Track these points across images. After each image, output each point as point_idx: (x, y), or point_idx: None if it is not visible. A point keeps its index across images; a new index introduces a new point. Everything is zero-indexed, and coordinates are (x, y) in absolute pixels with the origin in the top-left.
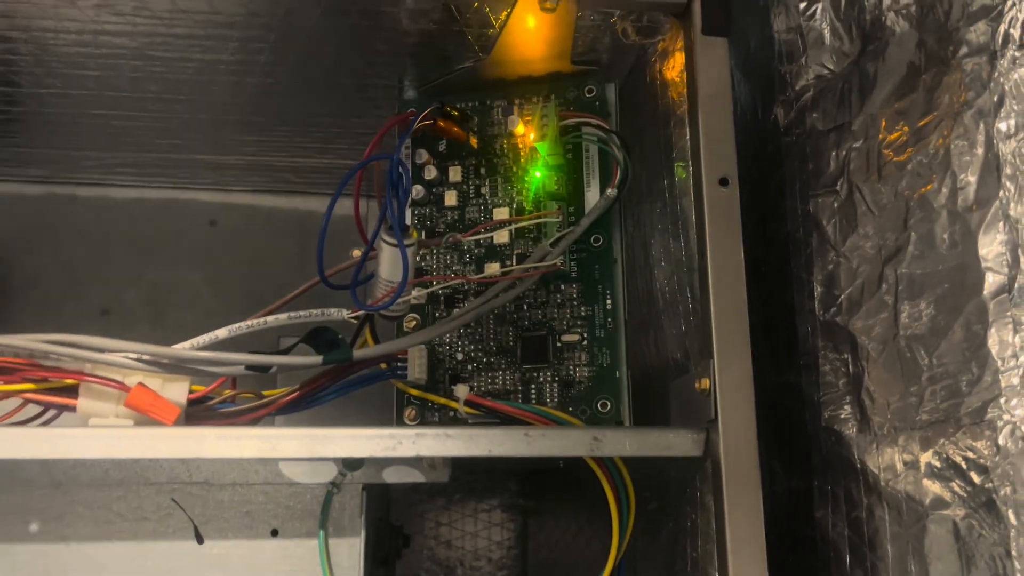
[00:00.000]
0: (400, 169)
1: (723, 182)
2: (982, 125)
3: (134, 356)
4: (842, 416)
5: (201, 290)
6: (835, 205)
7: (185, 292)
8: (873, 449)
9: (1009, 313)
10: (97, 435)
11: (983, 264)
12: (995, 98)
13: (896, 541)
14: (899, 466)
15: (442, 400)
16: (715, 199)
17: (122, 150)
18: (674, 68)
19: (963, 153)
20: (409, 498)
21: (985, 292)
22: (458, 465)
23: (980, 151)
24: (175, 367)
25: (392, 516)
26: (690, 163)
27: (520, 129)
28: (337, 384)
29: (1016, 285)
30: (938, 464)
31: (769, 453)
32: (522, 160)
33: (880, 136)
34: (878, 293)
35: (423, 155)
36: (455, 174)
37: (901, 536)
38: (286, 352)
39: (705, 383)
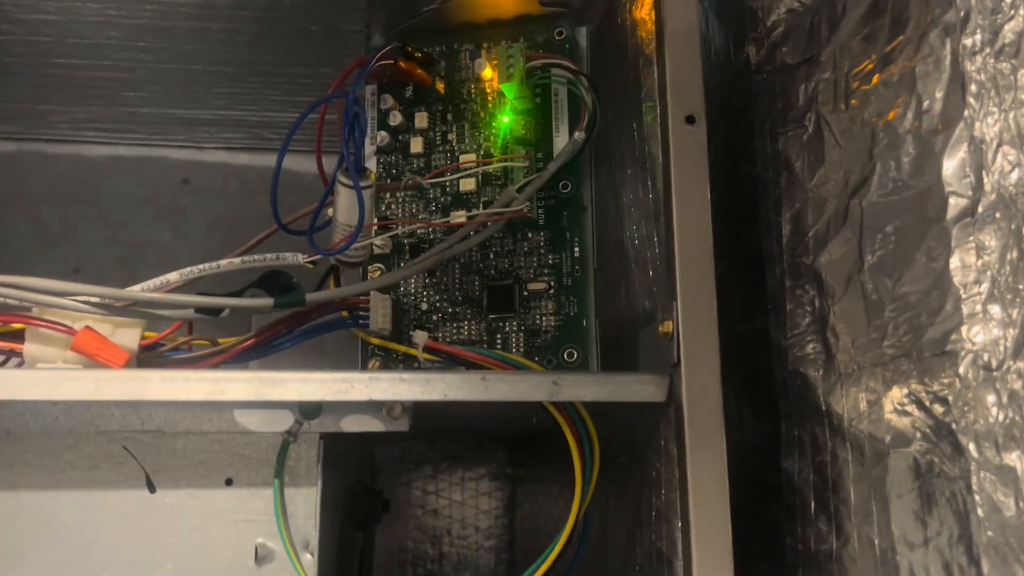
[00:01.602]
0: (356, 107)
1: (689, 120)
2: (948, 43)
3: (82, 298)
4: (809, 358)
5: (174, 249)
6: (803, 139)
7: (158, 251)
8: (838, 390)
9: (972, 237)
10: (38, 376)
11: (946, 188)
12: (961, 13)
13: (859, 483)
14: (863, 405)
15: (405, 349)
16: (681, 137)
17: (90, 104)
18: (643, 6)
19: (928, 74)
20: (396, 467)
21: (948, 217)
22: (443, 433)
23: (946, 70)
24: (124, 309)
25: (378, 484)
26: (657, 102)
27: (487, 73)
28: (295, 331)
29: (979, 208)
30: (900, 400)
31: (739, 402)
32: (490, 105)
33: (847, 66)
34: (843, 228)
35: (388, 100)
36: (421, 120)
37: (864, 477)
38: (237, 295)
39: (668, 326)
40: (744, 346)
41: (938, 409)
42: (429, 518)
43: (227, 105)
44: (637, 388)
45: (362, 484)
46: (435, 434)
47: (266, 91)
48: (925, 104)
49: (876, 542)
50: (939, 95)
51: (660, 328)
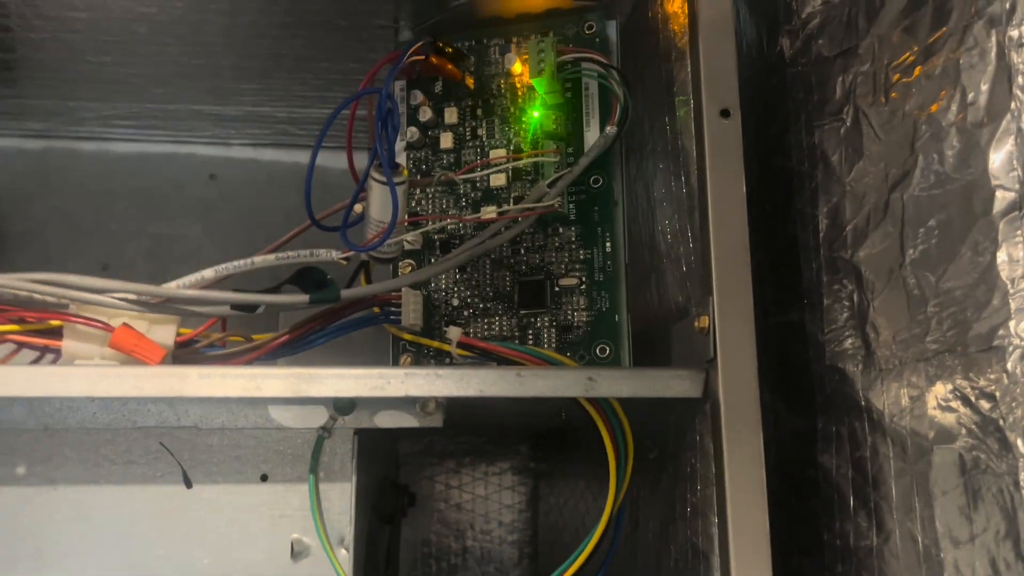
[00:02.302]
0: (389, 103)
1: (724, 113)
2: (993, 34)
3: (119, 295)
4: (847, 353)
5: (202, 244)
6: (841, 133)
7: (186, 246)
8: (878, 385)
9: (1020, 231)
10: (78, 373)
11: (993, 181)
12: (1007, 5)
13: (900, 478)
14: (904, 401)
15: (437, 345)
16: (716, 131)
17: (119, 100)
18: (675, 0)
19: (973, 66)
20: (419, 461)
21: (995, 211)
22: (467, 427)
23: (991, 62)
24: (161, 306)
25: (401, 478)
26: (691, 95)
27: (517, 68)
28: (328, 327)
29: None
30: (944, 395)
31: (773, 396)
32: (520, 100)
33: (887, 58)
34: (884, 221)
35: (418, 96)
36: (451, 115)
37: (906, 473)
38: (272, 291)
39: (704, 321)
40: (778, 341)
41: (984, 405)
42: (452, 512)
43: (254, 101)
44: (672, 383)
45: (389, 479)
46: (459, 429)
47: (293, 87)
48: (970, 96)
49: (919, 538)
50: (984, 87)
51: (696, 323)
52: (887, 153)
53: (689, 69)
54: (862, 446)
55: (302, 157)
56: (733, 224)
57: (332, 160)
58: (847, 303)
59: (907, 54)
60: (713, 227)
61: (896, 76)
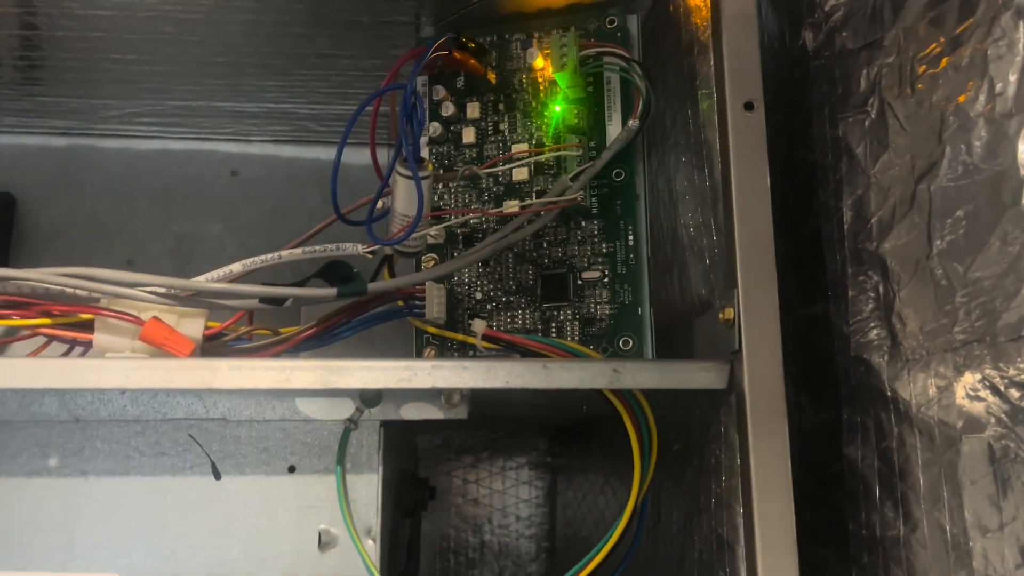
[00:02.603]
0: (414, 99)
1: (748, 106)
2: (1021, 25)
3: (149, 289)
4: (872, 344)
5: (224, 241)
6: (866, 125)
7: (208, 243)
8: (904, 376)
9: None
10: (110, 365)
11: (1022, 171)
12: None
13: (928, 468)
14: (931, 391)
15: (461, 337)
16: (740, 124)
17: (142, 98)
18: None
19: (1001, 56)
20: (437, 456)
21: None
22: (484, 421)
23: (1020, 53)
24: (190, 300)
25: (420, 473)
26: (714, 89)
27: (539, 62)
28: (354, 320)
29: None
30: (972, 385)
31: (796, 389)
32: (542, 94)
33: (913, 50)
34: (910, 213)
35: (440, 91)
36: (473, 110)
37: (933, 463)
38: (300, 284)
39: (729, 313)
40: (802, 334)
41: (1014, 394)
42: (470, 507)
43: (275, 98)
44: (697, 375)
45: (409, 472)
46: (476, 424)
47: (314, 83)
48: (998, 87)
49: (947, 528)
50: (1013, 78)
51: (721, 315)
52: (913, 145)
53: (712, 62)
54: (888, 437)
55: (322, 153)
56: (757, 217)
57: (352, 156)
58: (872, 295)
59: (933, 45)
60: (738, 220)
61: (922, 68)
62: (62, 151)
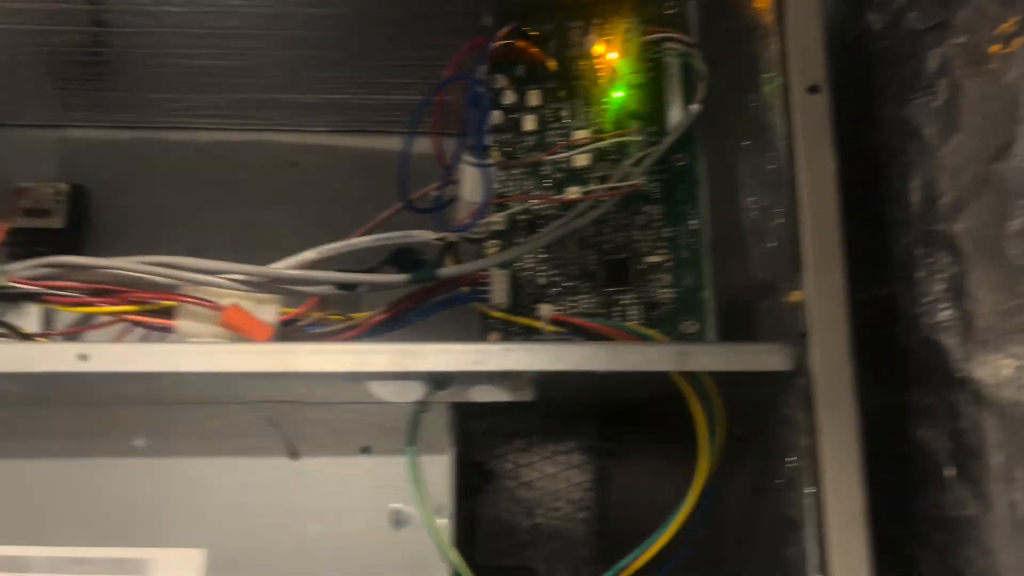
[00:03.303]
0: (480, 87)
1: (813, 89)
2: None
3: (228, 276)
4: (943, 325)
5: (285, 230)
6: (934, 106)
7: (269, 232)
8: (977, 357)
9: None
10: (196, 350)
11: None
12: None
13: (1002, 449)
14: (1006, 371)
15: (525, 321)
16: (805, 107)
17: (205, 91)
18: None
19: None
20: (489, 440)
21: None
22: (534, 406)
23: None
24: (267, 287)
25: (473, 457)
26: (778, 72)
27: (599, 49)
28: (422, 306)
29: None
30: None
31: (862, 370)
32: (602, 81)
33: (985, 29)
34: (982, 194)
35: (501, 80)
36: (534, 98)
37: (1008, 443)
38: (373, 271)
39: (797, 296)
40: (867, 316)
41: None
42: (522, 490)
43: (333, 89)
44: (764, 358)
45: (465, 457)
46: (526, 408)
47: (372, 74)
48: None
49: (1021, 507)
50: None
51: (787, 298)
52: (985, 125)
53: (776, 46)
54: (960, 418)
55: (380, 143)
56: (824, 199)
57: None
58: (942, 276)
59: (1005, 25)
60: (805, 202)
61: (994, 47)
62: (129, 144)
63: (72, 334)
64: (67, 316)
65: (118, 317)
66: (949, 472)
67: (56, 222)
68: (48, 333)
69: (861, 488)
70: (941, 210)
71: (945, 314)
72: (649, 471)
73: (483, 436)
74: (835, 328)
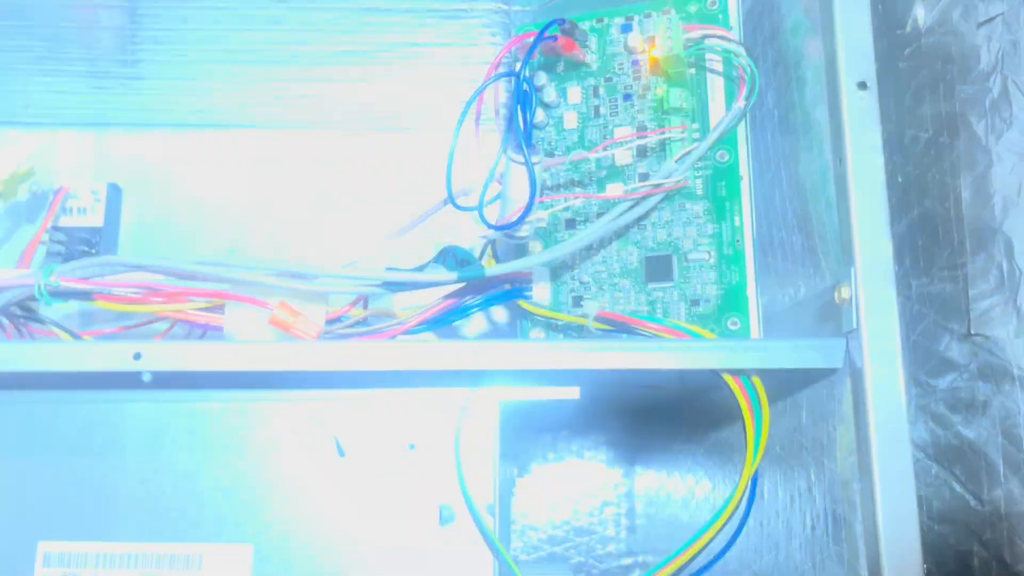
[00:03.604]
0: (525, 84)
1: (862, 86)
2: None
3: (276, 273)
4: (996, 321)
5: (321, 227)
6: (986, 103)
7: (304, 228)
8: None
9: None
10: (245, 349)
11: None
12: None
13: None
14: None
15: (568, 318)
16: (854, 103)
17: (235, 87)
18: None
19: None
20: (517, 435)
21: None
22: (562, 403)
23: None
24: (314, 287)
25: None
26: (826, 68)
27: (640, 46)
28: (466, 304)
29: None
30: None
31: (911, 367)
32: (643, 77)
33: None
34: None
35: (542, 77)
36: (575, 95)
37: None
38: (421, 270)
39: (845, 292)
40: (917, 311)
41: None
42: (550, 485)
43: (366, 87)
44: (813, 354)
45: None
46: (555, 404)
47: (408, 72)
48: None
49: None
50: None
51: (836, 295)
52: None
53: (823, 41)
54: (1013, 414)
55: (415, 140)
56: (872, 196)
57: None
58: (995, 272)
59: None
60: (854, 198)
61: None
62: (163, 141)
63: (121, 333)
64: (106, 316)
65: (167, 316)
66: (1001, 467)
67: (95, 220)
68: (100, 332)
69: (912, 485)
70: (994, 206)
71: (998, 310)
72: (685, 468)
73: (510, 431)
74: (885, 324)
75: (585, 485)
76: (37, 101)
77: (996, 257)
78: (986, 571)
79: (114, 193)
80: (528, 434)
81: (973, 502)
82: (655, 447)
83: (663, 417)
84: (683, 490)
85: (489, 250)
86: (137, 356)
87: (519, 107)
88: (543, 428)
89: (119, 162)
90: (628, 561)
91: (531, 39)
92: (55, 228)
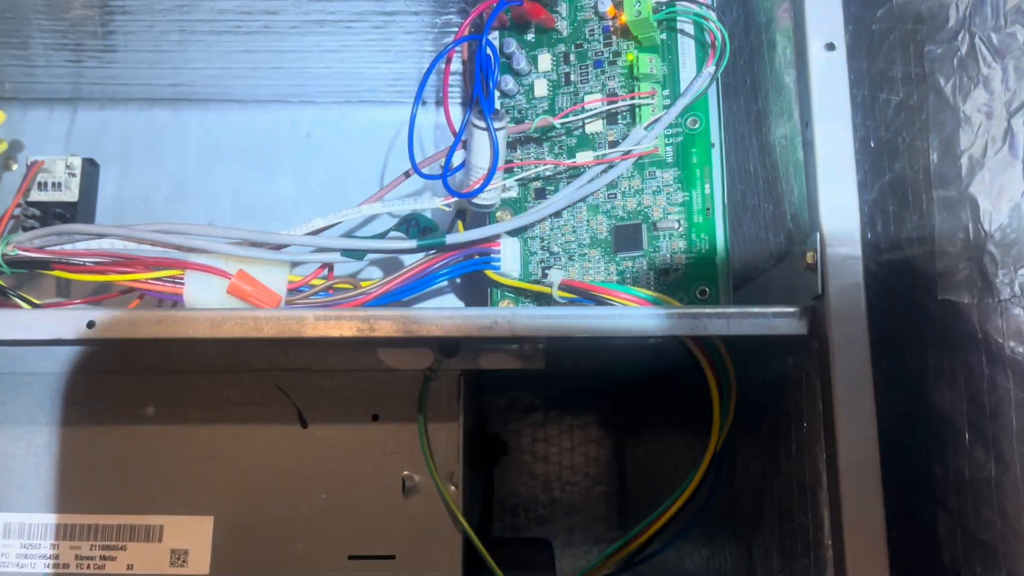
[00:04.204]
0: (488, 48)
1: (830, 47)
2: None
3: (235, 241)
4: (962, 285)
5: (299, 201)
6: (954, 63)
7: (284, 203)
8: (997, 317)
9: None
10: (204, 317)
11: None
12: None
13: (1021, 409)
14: None
15: (537, 288)
16: (821, 65)
17: (213, 63)
18: None
19: None
20: (505, 415)
21: None
22: (550, 381)
23: None
24: (274, 256)
25: (489, 430)
26: (794, 30)
27: (611, 11)
28: (431, 273)
29: None
30: None
31: (879, 334)
32: (614, 44)
33: None
34: (1002, 149)
35: (511, 44)
36: (545, 62)
37: None
38: (381, 237)
39: (811, 258)
40: (886, 278)
41: None
42: (540, 464)
43: (340, 58)
44: (778, 321)
45: (480, 428)
46: (542, 383)
47: (382, 42)
48: None
49: None
50: None
51: (802, 261)
52: (1006, 78)
53: (791, 4)
54: (979, 379)
55: (392, 114)
56: (840, 159)
57: (422, 116)
58: (961, 236)
59: None
60: (819, 164)
61: (1015, 0)
62: (140, 117)
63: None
64: (83, 288)
65: (127, 285)
66: (966, 434)
67: (70, 195)
68: (61, 303)
69: (876, 452)
70: (961, 167)
71: (963, 275)
72: (669, 444)
73: (499, 411)
74: (851, 290)
75: (574, 463)
76: (10, 75)
77: (963, 219)
78: (951, 538)
79: (90, 168)
80: (516, 413)
81: (939, 470)
82: (644, 425)
83: (652, 396)
84: (675, 465)
85: (460, 224)
86: (90, 324)
87: (480, 71)
88: (531, 408)
89: (95, 137)
90: (616, 540)
91: (495, 2)
92: (29, 203)
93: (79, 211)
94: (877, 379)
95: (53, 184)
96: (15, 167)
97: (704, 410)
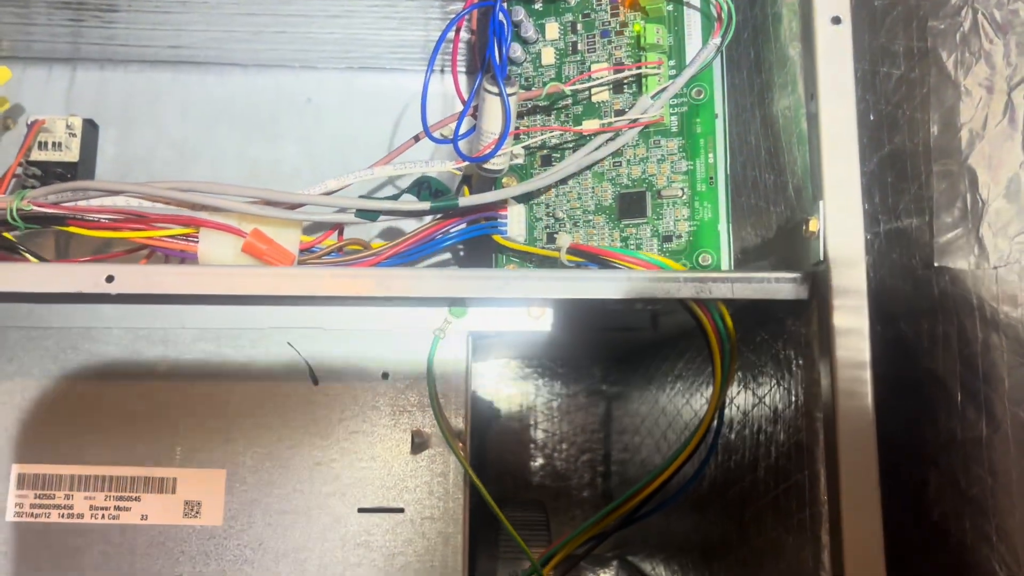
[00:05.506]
0: (500, 14)
1: (836, 20)
2: None
3: (250, 199)
4: (959, 253)
5: (300, 166)
6: (957, 36)
7: (285, 167)
8: (992, 282)
9: None
10: (221, 272)
11: None
12: None
13: (1014, 371)
14: (1021, 296)
15: (543, 252)
16: (828, 37)
17: (217, 25)
18: None
19: None
20: (495, 383)
21: None
22: (540, 350)
23: None
24: (288, 215)
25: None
26: (800, 3)
27: None
28: (440, 237)
29: None
30: None
31: (876, 301)
32: (621, 13)
33: None
34: (1002, 121)
35: (519, 12)
36: (552, 31)
37: (1020, 365)
38: (394, 198)
39: (814, 225)
40: (886, 247)
41: None
42: (527, 432)
43: (346, 24)
44: (780, 286)
45: (473, 395)
46: (534, 350)
47: (387, 9)
48: None
49: None
50: None
51: (804, 228)
52: (1008, 53)
53: None
54: (972, 343)
55: (395, 80)
56: (843, 131)
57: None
58: (960, 205)
59: None
60: (823, 134)
61: None
62: (142, 79)
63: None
64: (84, 249)
65: (140, 243)
66: (958, 395)
67: (70, 156)
68: (73, 260)
69: (872, 412)
70: (961, 140)
71: (961, 242)
72: (657, 414)
73: (489, 380)
74: (852, 257)
75: (562, 431)
76: (8, 33)
77: (961, 189)
78: (940, 496)
79: (90, 129)
80: (505, 381)
81: (929, 431)
82: (631, 396)
83: (641, 366)
84: (663, 433)
85: (465, 189)
86: (109, 278)
87: (494, 37)
88: (520, 376)
89: (95, 97)
90: (603, 504)
91: None
92: (29, 162)
93: (79, 172)
94: (873, 344)
95: (54, 144)
96: (13, 126)
97: (698, 377)
